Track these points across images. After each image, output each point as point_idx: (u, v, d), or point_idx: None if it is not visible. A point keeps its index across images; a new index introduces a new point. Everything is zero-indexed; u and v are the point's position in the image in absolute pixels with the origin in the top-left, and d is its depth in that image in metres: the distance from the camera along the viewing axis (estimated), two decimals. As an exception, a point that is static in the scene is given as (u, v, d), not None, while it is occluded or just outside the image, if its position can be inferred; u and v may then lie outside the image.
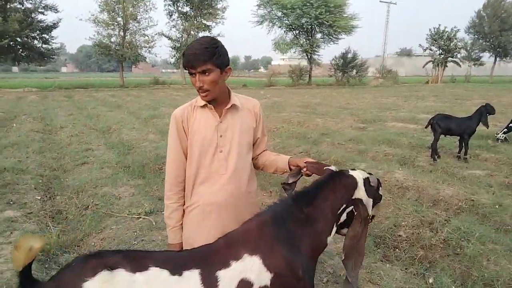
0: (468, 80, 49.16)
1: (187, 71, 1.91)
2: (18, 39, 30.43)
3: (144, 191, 5.58)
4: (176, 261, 1.53)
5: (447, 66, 46.05)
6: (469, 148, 8.30)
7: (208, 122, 2.00)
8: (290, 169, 2.11)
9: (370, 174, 1.96)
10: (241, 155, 2.04)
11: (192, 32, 37.54)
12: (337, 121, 13.14)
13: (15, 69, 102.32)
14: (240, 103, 2.07)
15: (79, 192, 5.53)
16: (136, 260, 1.45)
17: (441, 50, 45.11)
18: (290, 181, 2.02)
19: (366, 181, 1.88)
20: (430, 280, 3.29)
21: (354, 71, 43.56)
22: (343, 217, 1.82)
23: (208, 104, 2.00)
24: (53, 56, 33.65)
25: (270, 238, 1.64)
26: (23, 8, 30.93)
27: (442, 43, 44.17)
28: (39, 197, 5.35)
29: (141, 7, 34.94)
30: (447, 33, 44.21)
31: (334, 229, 1.81)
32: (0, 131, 11.18)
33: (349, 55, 42.59)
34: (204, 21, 37.93)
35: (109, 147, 8.87)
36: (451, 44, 44.03)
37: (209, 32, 38.21)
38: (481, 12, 50.72)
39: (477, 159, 7.64)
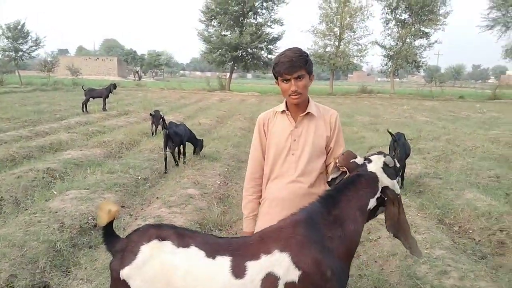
0: None
1: (281, 78, 2.15)
2: (249, 50, 35.71)
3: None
4: (214, 246, 1.75)
5: None
6: None
7: (284, 126, 2.26)
8: None
9: (384, 154, 2.00)
10: (311, 159, 2.24)
11: (408, 40, 36.06)
12: None
13: (249, 75, 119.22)
14: (316, 111, 2.27)
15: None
16: (182, 237, 1.75)
17: None
18: (330, 178, 2.07)
19: (385, 167, 1.92)
20: None
21: None
22: (373, 203, 1.90)
23: (286, 111, 2.26)
24: (277, 65, 38.06)
25: (301, 238, 1.73)
26: (255, 22, 36.08)
27: None
28: (219, 182, 6.46)
29: (358, 16, 35.69)
30: None
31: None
32: (217, 126, 13.59)
33: None
34: (423, 28, 35.84)
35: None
36: None
37: (426, 39, 35.99)
38: None
39: None
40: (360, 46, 36.52)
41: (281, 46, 39.08)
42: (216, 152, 8.42)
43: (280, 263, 1.66)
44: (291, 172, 2.24)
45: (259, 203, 2.35)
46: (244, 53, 36.15)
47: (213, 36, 36.00)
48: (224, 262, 1.67)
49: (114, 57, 71.90)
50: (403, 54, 35.94)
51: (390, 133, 6.48)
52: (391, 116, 18.43)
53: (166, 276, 1.67)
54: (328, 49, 36.77)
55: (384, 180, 1.91)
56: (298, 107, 2.25)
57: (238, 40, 33.72)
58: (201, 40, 36.32)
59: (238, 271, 1.65)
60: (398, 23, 36.67)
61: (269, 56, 36.89)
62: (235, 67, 38.30)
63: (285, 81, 2.14)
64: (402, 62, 37.02)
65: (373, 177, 1.91)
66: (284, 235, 1.74)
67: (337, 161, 2.04)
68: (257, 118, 2.37)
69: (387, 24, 37.40)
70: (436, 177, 6.84)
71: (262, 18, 36.84)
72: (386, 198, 1.90)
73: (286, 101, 2.29)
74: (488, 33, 37.39)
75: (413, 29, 35.45)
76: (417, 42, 36.76)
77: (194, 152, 8.03)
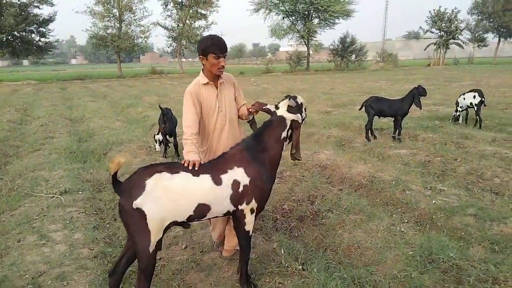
0: (471, 62, 48.50)
1: (214, 55, 2.94)
2: (16, 33, 31.11)
3: (75, 174, 6.00)
4: (195, 169, 2.60)
5: (448, 48, 45.49)
6: (414, 128, 8.60)
7: (210, 93, 3.14)
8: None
9: (290, 98, 2.95)
10: (231, 110, 3.24)
11: (187, 22, 37.74)
12: (309, 106, 13.24)
13: (25, 62, 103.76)
14: (225, 79, 3.23)
15: (16, 176, 5.99)
16: (173, 168, 2.54)
17: (442, 32, 44.52)
18: (249, 119, 3.28)
19: (289, 108, 2.92)
20: (274, 245, 3.64)
21: (354, 55, 43.37)
22: (285, 133, 2.92)
23: (210, 81, 3.12)
24: (51, 49, 34.33)
25: (247, 158, 2.76)
26: (18, 2, 31.49)
27: (443, 25, 43.56)
28: (-23, 181, 5.83)
29: (135, -3, 35.24)
30: (448, 14, 43.59)
31: (285, 143, 2.95)
32: (-21, 122, 11.75)
33: (348, 40, 42.39)
34: (200, 10, 38.06)
35: (72, 134, 9.32)
36: (452, 26, 43.41)
37: (205, 20, 38.47)
38: (485, -8, 49.68)
39: (415, 139, 7.86)
40: (142, 28, 36.45)
41: (55, 28, 35.62)
42: (-25, 150, 7.45)
43: (238, 173, 2.69)
44: (224, 122, 3.20)
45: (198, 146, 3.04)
46: (9, 38, 31.28)
47: (-38, 18, 29.89)
48: (206, 177, 2.59)
49: None
50: (185, 35, 37.58)
51: (160, 108, 7.03)
52: (178, 94, 19.33)
53: (169, 194, 2.43)
54: (109, 30, 35.33)
55: (290, 116, 2.90)
56: (216, 77, 3.13)
57: (-2, 23, 28.94)
58: None
59: (218, 181, 2.62)
60: (176, 5, 37.90)
61: (43, 39, 33.08)
62: (1, 54, 32.85)
63: (216, 58, 2.96)
64: (186, 42, 38.67)
65: (282, 119, 2.92)
66: (237, 157, 2.77)
67: (251, 109, 3.15)
68: (186, 91, 3.08)
69: (166, 5, 38.22)
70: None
71: (26, -3, 32.36)
72: (293, 126, 2.90)
73: (205, 75, 3.11)
74: (256, 16, 42.84)
75: (191, 11, 37.26)
76: (196, 24, 38.92)
77: None
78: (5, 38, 30.43)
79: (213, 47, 2.93)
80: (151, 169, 2.49)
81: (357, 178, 5.48)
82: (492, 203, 4.63)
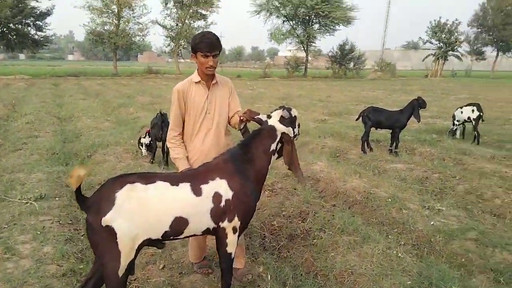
0: (469, 75, 48.54)
1: (201, 53, 2.77)
2: (11, 26, 30.56)
3: (54, 177, 5.67)
4: (174, 178, 2.40)
5: (447, 60, 45.50)
6: (412, 141, 8.35)
7: (200, 93, 2.96)
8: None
9: (284, 108, 2.74)
10: (221, 115, 3.03)
11: (186, 21, 37.41)
12: (304, 114, 13.10)
13: (22, 56, 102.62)
14: (219, 81, 3.05)
15: (-9, 177, 5.65)
16: (147, 178, 2.28)
17: (441, 44, 44.55)
18: (241, 127, 2.90)
19: (281, 119, 2.70)
20: (261, 269, 3.35)
21: (352, 63, 43.24)
22: (275, 146, 2.69)
23: (201, 81, 2.94)
24: (46, 44, 33.84)
25: (231, 170, 2.53)
26: (15, -6, 30.96)
27: (443, 36, 43.59)
28: None
29: (135, -6, 34.83)
30: (448, 26, 43.62)
31: (273, 157, 2.72)
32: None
33: (347, 47, 42.26)
34: (200, 10, 37.77)
35: (57, 134, 8.97)
36: (452, 38, 43.45)
37: (204, 20, 38.19)
38: (485, 5, 49.68)
39: (413, 153, 7.61)
40: (141, 25, 36.02)
41: (53, 23, 35.15)
42: (-47, 147, 7.10)
43: (221, 186, 2.45)
44: (209, 126, 2.99)
45: (184, 148, 3.02)
46: (5, 30, 30.70)
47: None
48: (185, 186, 2.36)
49: None
50: (184, 35, 37.21)
51: (161, 114, 6.72)
52: (173, 95, 18.97)
53: (143, 207, 2.17)
54: (107, 27, 34.90)
55: (281, 128, 2.67)
56: (208, 77, 2.95)
57: (-7, 14, 28.41)
58: None
59: (197, 192, 2.37)
60: (177, 4, 37.53)
61: (39, 33, 32.57)
62: (-5, 47, 32.37)
63: (204, 57, 2.79)
64: (184, 43, 38.32)
65: (272, 129, 2.68)
66: (221, 168, 2.53)
67: (241, 117, 2.81)
68: (174, 89, 2.93)
69: (166, 4, 37.81)
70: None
71: (23, -11, 31.81)
72: (283, 140, 2.66)
73: (198, 73, 2.94)
74: (257, 18, 42.82)
75: (191, 10, 36.94)
76: (196, 24, 38.59)
77: None
78: (0, 31, 29.85)
79: (201, 45, 2.76)
80: (122, 180, 2.22)
81: (351, 194, 5.21)
82: (494, 226, 4.38)
